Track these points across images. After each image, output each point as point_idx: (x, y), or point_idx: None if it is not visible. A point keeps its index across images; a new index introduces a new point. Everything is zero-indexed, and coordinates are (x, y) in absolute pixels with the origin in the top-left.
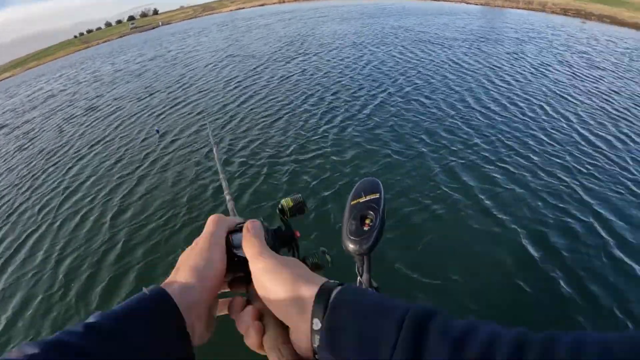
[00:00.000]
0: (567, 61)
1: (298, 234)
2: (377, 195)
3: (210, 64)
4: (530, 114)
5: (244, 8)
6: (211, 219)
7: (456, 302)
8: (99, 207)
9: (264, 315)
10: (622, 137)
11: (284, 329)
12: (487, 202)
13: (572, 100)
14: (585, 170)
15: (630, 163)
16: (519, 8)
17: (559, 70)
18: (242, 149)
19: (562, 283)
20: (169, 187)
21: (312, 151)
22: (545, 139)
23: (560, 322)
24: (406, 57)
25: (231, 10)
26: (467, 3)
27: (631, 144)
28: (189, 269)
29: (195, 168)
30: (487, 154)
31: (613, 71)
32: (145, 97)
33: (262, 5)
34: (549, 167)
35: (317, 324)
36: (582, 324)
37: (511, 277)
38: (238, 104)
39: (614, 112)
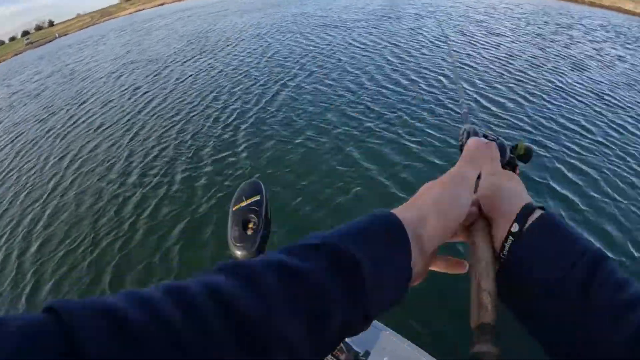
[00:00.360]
0: (465, 31)
1: (518, 171)
2: (259, 197)
3: (110, 73)
4: (427, 87)
5: (143, 9)
6: (477, 146)
7: None
8: (5, 244)
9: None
10: (519, 97)
11: (488, 225)
12: (390, 183)
13: (471, 68)
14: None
15: (527, 119)
16: None
17: (457, 42)
18: (144, 160)
19: None
20: (75, 210)
21: (209, 155)
22: (444, 111)
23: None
24: (306, 44)
25: (130, 13)
26: None
27: (526, 102)
28: (431, 200)
29: (102, 186)
30: (386, 134)
31: (510, 36)
32: (46, 118)
33: (162, 4)
34: (453, 139)
35: (515, 227)
36: None
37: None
38: (138, 112)
39: (512, 74)
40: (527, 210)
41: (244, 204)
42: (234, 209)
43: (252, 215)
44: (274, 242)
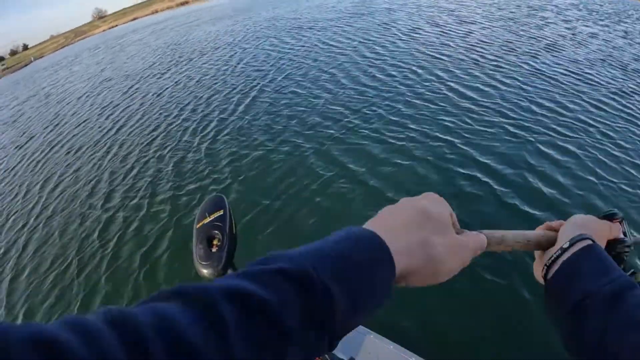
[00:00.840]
0: (436, 22)
1: (622, 266)
2: (222, 212)
3: (84, 94)
4: (403, 80)
5: (116, 26)
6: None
7: None
8: None
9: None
10: (495, 83)
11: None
12: (375, 182)
13: (443, 58)
14: (465, 125)
15: (505, 105)
16: None
17: (429, 32)
18: (124, 178)
19: None
20: (58, 238)
21: (190, 169)
22: (421, 103)
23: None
24: (278, 47)
25: (104, 31)
26: None
27: (503, 87)
28: (423, 247)
29: (80, 211)
30: (366, 132)
31: (482, 23)
32: (23, 144)
33: (135, 19)
34: (430, 131)
35: (566, 244)
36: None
37: None
38: (109, 130)
39: (486, 61)
40: (580, 237)
41: (207, 220)
42: (197, 226)
43: (216, 232)
44: (241, 258)
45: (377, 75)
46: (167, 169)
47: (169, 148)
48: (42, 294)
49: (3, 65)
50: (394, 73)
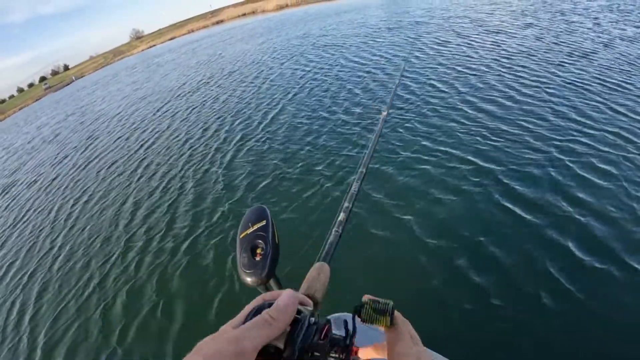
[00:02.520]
0: (463, 33)
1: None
2: (264, 222)
3: (119, 113)
4: (432, 93)
5: (154, 45)
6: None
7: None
8: (21, 287)
9: None
10: (525, 97)
11: None
12: (389, 199)
13: (469, 71)
14: (497, 143)
15: (537, 122)
16: None
17: (460, 44)
18: (151, 197)
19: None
20: (92, 261)
21: (215, 182)
22: (451, 124)
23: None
24: (309, 64)
25: (142, 50)
26: None
27: (536, 102)
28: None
29: (110, 225)
30: (388, 154)
31: (510, 32)
32: (59, 162)
33: (172, 38)
34: (459, 152)
35: None
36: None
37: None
38: (145, 148)
39: (514, 72)
40: None
41: (250, 230)
42: (241, 236)
43: (260, 241)
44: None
45: (404, 95)
46: (191, 185)
47: (192, 165)
48: (67, 310)
49: (46, 84)
50: (428, 88)
